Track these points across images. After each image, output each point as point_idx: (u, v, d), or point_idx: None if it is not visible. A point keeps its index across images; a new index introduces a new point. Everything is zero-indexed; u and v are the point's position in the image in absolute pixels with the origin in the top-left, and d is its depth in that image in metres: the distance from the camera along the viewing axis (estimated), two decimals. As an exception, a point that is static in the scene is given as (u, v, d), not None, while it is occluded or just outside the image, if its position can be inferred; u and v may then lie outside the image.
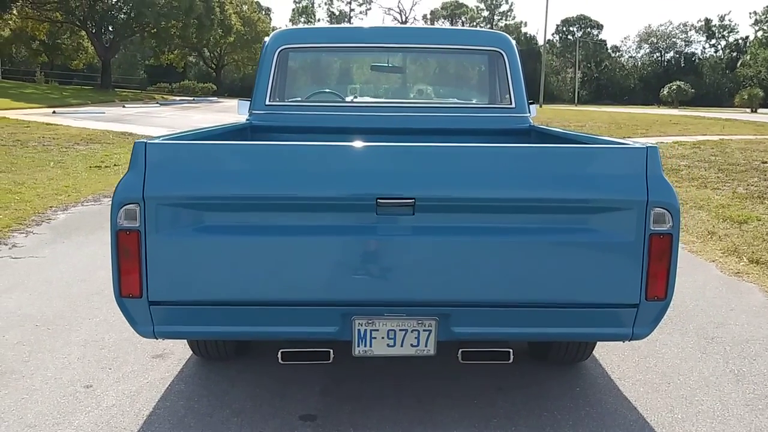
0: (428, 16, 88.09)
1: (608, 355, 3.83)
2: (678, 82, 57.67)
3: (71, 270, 5.32)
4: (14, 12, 38.05)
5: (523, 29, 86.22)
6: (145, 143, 2.60)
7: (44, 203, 8.00)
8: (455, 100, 5.16)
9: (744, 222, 7.47)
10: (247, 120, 4.69)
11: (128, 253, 2.60)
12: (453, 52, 4.90)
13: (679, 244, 6.00)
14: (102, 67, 42.15)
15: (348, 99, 5.18)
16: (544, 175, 2.64)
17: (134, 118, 22.11)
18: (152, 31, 39.74)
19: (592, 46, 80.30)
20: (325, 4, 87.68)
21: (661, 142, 17.22)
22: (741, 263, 5.87)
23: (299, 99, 4.95)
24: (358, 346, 2.77)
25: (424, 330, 2.77)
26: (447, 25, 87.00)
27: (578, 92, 69.24)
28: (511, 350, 2.80)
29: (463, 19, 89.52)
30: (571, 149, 2.74)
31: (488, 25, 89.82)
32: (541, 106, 48.48)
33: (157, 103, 33.07)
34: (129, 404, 3.18)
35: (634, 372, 3.63)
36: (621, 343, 3.92)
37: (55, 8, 38.43)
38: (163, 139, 2.74)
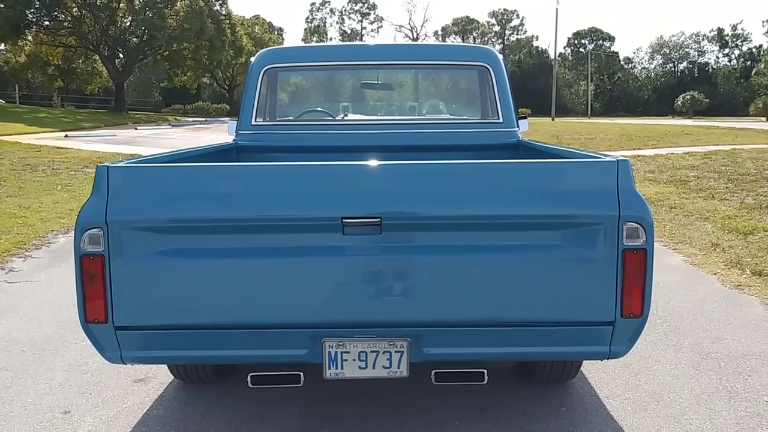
0: (439, 33, 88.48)
1: (598, 372, 3.75)
2: (692, 93, 57.26)
3: (64, 294, 5.30)
4: (29, 38, 38.65)
5: (535, 43, 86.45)
6: (107, 167, 2.58)
7: (46, 227, 8.03)
8: (442, 117, 5.13)
9: (750, 233, 7.34)
10: (233, 140, 4.68)
11: (92, 278, 2.58)
12: (439, 67, 4.88)
13: (681, 257, 5.88)
14: (116, 90, 42.66)
15: (337, 117, 5.15)
16: (511, 191, 2.59)
17: (144, 140, 22.28)
18: (164, 53, 40.21)
19: (605, 58, 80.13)
20: (337, 23, 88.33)
21: (672, 153, 17.08)
22: (743, 275, 5.75)
23: (286, 118, 4.94)
24: (329, 368, 2.72)
25: (396, 351, 2.71)
26: (459, 41, 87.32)
27: (591, 104, 69.01)
28: (485, 371, 2.73)
29: (474, 34, 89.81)
30: (539, 164, 2.68)
31: (500, 40, 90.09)
32: (553, 120, 48.42)
33: (169, 124, 33.37)
34: (105, 430, 3.15)
35: (623, 390, 3.54)
36: (611, 360, 3.86)
37: (68, 33, 38.99)
38: (126, 163, 2.71)
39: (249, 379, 2.76)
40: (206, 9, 38.21)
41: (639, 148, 19.32)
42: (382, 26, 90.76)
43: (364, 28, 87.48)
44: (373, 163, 2.64)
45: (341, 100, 5.38)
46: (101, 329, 2.63)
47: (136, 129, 28.45)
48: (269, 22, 67.47)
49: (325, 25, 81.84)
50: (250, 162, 4.12)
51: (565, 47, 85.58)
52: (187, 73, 46.03)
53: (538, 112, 58.51)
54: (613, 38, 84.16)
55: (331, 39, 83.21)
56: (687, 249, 6.76)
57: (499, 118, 4.58)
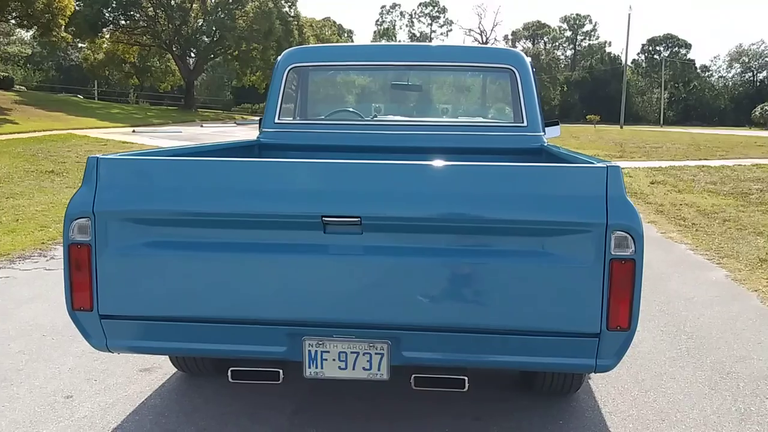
0: (509, 37, 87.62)
1: (605, 387, 3.61)
2: (771, 103, 54.93)
3: (95, 282, 5.46)
4: (106, 36, 40.15)
5: (608, 49, 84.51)
6: (97, 158, 2.64)
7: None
8: (466, 119, 5.05)
9: (804, 250, 6.97)
10: (257, 138, 4.73)
11: (79, 266, 2.63)
12: (465, 69, 4.81)
13: (723, 272, 5.63)
14: (186, 88, 43.85)
15: (365, 118, 5.14)
16: (494, 194, 2.51)
17: (207, 137, 22.80)
18: (234, 53, 41.08)
19: (680, 65, 77.69)
20: (406, 26, 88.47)
21: (739, 165, 16.42)
22: (787, 294, 5.46)
23: (308, 117, 4.95)
24: (309, 367, 2.70)
25: (376, 353, 2.67)
26: (529, 45, 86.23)
27: (665, 113, 67.02)
28: (465, 378, 2.66)
29: (545, 39, 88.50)
30: (523, 168, 2.60)
31: (571, 46, 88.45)
32: (621, 127, 47.26)
33: (235, 122, 34.07)
34: (100, 416, 3.22)
35: (628, 407, 3.40)
36: (623, 375, 3.73)
37: (143, 32, 40.33)
38: (115, 155, 2.76)
39: (229, 373, 2.78)
40: (275, 10, 38.84)
41: (705, 159, 18.64)
42: (451, 29, 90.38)
43: (434, 31, 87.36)
44: (354, 162, 2.61)
45: (366, 100, 5.37)
46: (87, 317, 2.69)
47: (201, 126, 29.16)
48: (339, 24, 68.19)
49: (394, 28, 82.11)
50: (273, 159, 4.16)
51: (638, 54, 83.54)
52: (256, 72, 46.85)
53: (608, 120, 57.25)
54: (690, 45, 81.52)
55: (399, 41, 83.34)
56: (732, 264, 6.47)
57: (523, 122, 4.48)
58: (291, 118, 4.79)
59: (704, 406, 3.42)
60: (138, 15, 39.85)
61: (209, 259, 2.62)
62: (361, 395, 3.40)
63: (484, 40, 78.22)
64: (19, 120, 22.60)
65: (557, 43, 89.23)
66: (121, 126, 25.84)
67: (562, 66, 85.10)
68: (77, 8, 33.20)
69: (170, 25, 38.71)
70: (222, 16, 38.18)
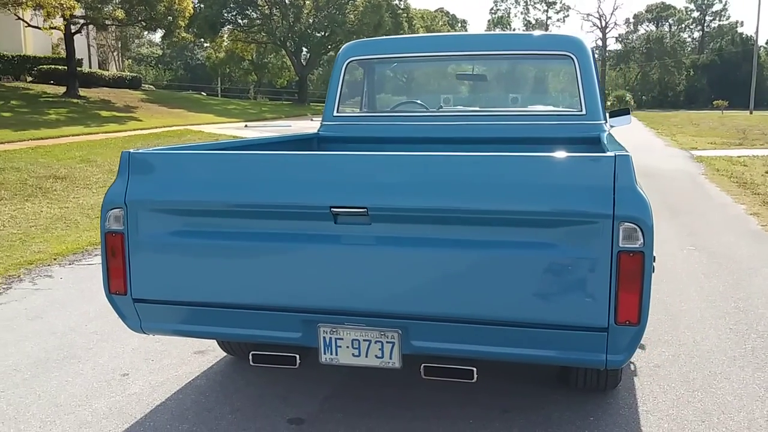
0: (631, 20, 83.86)
1: (650, 384, 3.48)
2: None
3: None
4: (225, 35, 42.00)
5: (739, 29, 79.15)
6: (129, 153, 2.84)
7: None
8: (524, 108, 4.94)
9: None
10: (317, 131, 4.87)
11: (114, 253, 2.85)
12: (522, 57, 4.72)
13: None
14: (299, 83, 45.13)
15: (430, 109, 5.16)
16: (501, 185, 2.49)
17: (312, 129, 23.38)
18: (345, 47, 41.79)
19: (822, 44, 71.60)
20: (521, 13, 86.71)
21: None
22: None
23: (367, 109, 5.03)
24: (324, 353, 2.79)
25: (387, 342, 2.72)
26: (652, 28, 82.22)
27: (805, 97, 62.06)
28: (474, 369, 2.66)
29: (670, 21, 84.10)
30: (529, 158, 2.55)
31: (698, 27, 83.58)
32: (751, 113, 44.19)
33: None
34: (148, 393, 3.45)
35: (669, 406, 3.26)
36: (672, 373, 3.58)
37: (259, 30, 41.87)
38: (147, 150, 2.95)
39: (250, 357, 2.92)
40: (384, 3, 39.21)
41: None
42: (568, 15, 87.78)
43: (549, 18, 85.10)
44: (359, 153, 2.66)
45: (426, 91, 5.37)
46: (122, 300, 2.90)
47: (311, 120, 29.91)
48: (452, 14, 67.86)
49: (509, 16, 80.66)
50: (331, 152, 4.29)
51: (774, 33, 77.56)
52: (366, 66, 47.49)
53: (739, 105, 53.72)
54: (835, 22, 74.76)
55: (514, 30, 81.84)
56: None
57: (582, 110, 4.36)
58: (350, 111, 4.89)
59: (753, 409, 3.22)
60: (254, 14, 41.42)
61: (228, 247, 2.76)
62: (392, 384, 3.45)
63: (603, 25, 75.28)
64: (143, 117, 24.08)
65: (683, 25, 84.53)
66: (236, 121, 26.97)
67: (689, 49, 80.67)
68: (198, 10, 34.97)
69: (284, 22, 39.94)
70: (333, 11, 39.01)
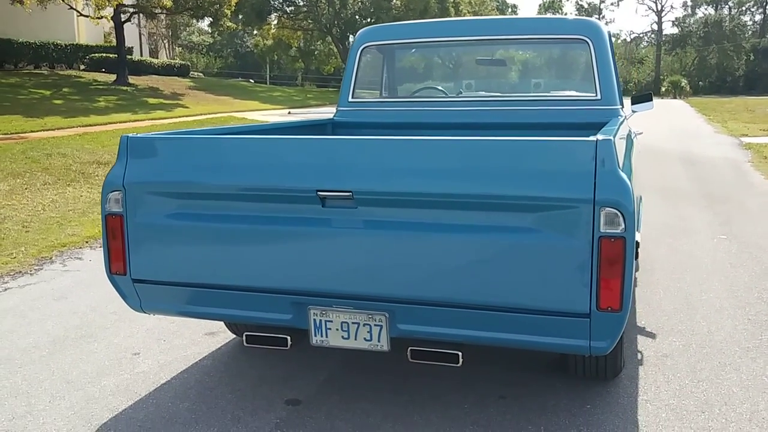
0: (688, 4, 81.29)
1: (654, 374, 3.43)
2: None
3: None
4: (273, 22, 42.33)
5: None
6: (128, 137, 2.91)
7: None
8: (539, 93, 4.87)
9: None
10: (333, 116, 4.91)
11: (114, 234, 2.93)
12: (536, 42, 4.65)
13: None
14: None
15: (445, 95, 5.14)
16: (483, 169, 2.48)
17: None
18: (391, 34, 41.66)
19: None
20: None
21: None
22: None
23: (382, 95, 5.04)
24: (315, 335, 2.83)
25: (375, 325, 2.75)
26: (711, 11, 79.63)
27: None
28: (459, 353, 2.66)
29: (730, 4, 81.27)
30: (509, 141, 2.53)
31: (760, 9, 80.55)
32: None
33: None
34: (155, 372, 3.55)
35: (670, 396, 3.21)
36: (679, 364, 3.52)
37: (305, 17, 42.09)
38: (144, 135, 3.01)
39: (244, 338, 2.98)
40: (430, -12, 38.97)
41: None
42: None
43: (603, 1, 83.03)
44: (344, 138, 2.68)
45: (440, 77, 5.34)
46: (122, 280, 2.98)
47: (356, 107, 30.01)
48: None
49: (560, 0, 78.94)
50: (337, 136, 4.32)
51: (840, 15, 74.37)
52: (413, 52, 47.31)
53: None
54: None
55: (566, 15, 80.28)
56: None
57: (597, 95, 4.28)
58: (365, 97, 4.90)
59: (758, 401, 3.15)
60: (300, 1, 41.64)
61: (221, 230, 2.81)
62: (390, 370, 3.47)
63: (659, 9, 73.22)
64: (190, 104, 24.52)
65: (744, 8, 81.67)
66: (280, 108, 27.20)
67: (749, 33, 77.89)
68: (244, -3, 35.35)
69: (330, 9, 40.04)
70: (379, -4, 38.98)
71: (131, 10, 26.15)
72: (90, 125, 16.72)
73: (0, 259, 5.78)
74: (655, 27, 75.12)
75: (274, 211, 2.74)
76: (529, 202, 2.44)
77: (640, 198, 4.28)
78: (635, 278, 4.99)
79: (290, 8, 42.14)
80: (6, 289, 5.03)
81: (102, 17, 22.69)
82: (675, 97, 47.95)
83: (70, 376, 3.52)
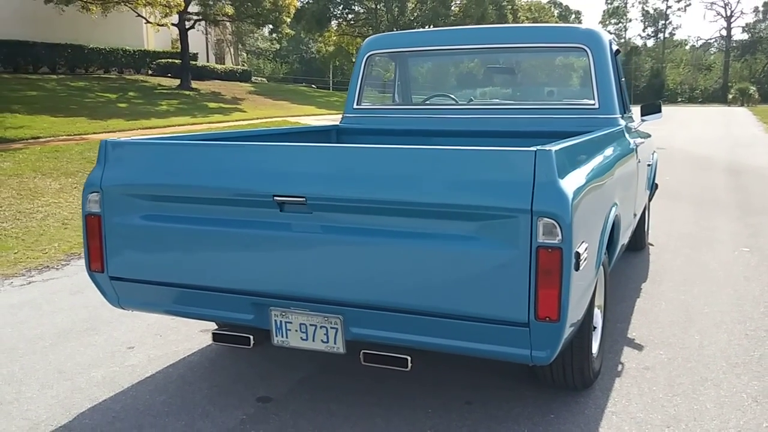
0: (759, 9, 78.22)
1: (630, 386, 3.39)
2: None
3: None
4: (333, 29, 42.94)
5: None
6: (107, 141, 3.08)
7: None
8: (538, 102, 4.84)
9: None
10: (338, 123, 5.01)
11: (93, 234, 3.10)
12: (536, 50, 4.64)
13: None
14: (404, 76, 45.46)
15: (455, 102, 5.18)
16: (427, 177, 2.53)
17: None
18: (449, 41, 41.75)
19: None
20: (639, 2, 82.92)
21: None
22: None
23: (386, 103, 5.11)
24: (276, 336, 2.93)
25: (331, 327, 2.83)
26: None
27: None
28: (408, 358, 2.71)
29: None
30: (455, 151, 2.55)
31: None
32: None
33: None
34: (143, 366, 3.71)
35: (639, 409, 3.16)
36: (658, 376, 3.47)
37: (364, 24, 42.54)
38: (122, 139, 3.17)
39: (211, 336, 3.10)
40: (489, -5, 38.81)
41: None
42: (690, 4, 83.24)
43: (670, 7, 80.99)
44: (299, 145, 2.77)
45: (444, 85, 5.37)
46: (101, 278, 3.15)
47: (412, 113, 30.13)
48: (566, 5, 65.99)
49: (625, 6, 77.20)
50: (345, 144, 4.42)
51: None
52: (474, 59, 47.16)
53: None
54: None
55: (630, 21, 78.50)
56: None
57: (595, 104, 4.25)
58: (370, 104, 4.99)
59: (729, 418, 3.07)
60: (361, 9, 42.08)
61: (187, 231, 2.94)
62: (368, 372, 3.50)
63: (728, 14, 70.67)
64: (248, 108, 25.09)
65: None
66: (335, 113, 27.52)
67: (829, 38, 74.38)
68: (305, 5, 35.92)
69: (389, 16, 40.33)
70: (436, 4, 38.95)
71: (195, 17, 26.95)
72: (150, 128, 17.31)
73: (33, 254, 6.11)
74: (724, 33, 72.61)
75: (237, 214, 2.85)
76: (471, 210, 2.47)
77: (636, 213, 4.21)
78: (639, 289, 4.92)
79: (350, 16, 42.67)
80: (30, 282, 5.32)
81: (164, 24, 23.44)
82: (741, 105, 46.31)
83: (63, 366, 3.71)
